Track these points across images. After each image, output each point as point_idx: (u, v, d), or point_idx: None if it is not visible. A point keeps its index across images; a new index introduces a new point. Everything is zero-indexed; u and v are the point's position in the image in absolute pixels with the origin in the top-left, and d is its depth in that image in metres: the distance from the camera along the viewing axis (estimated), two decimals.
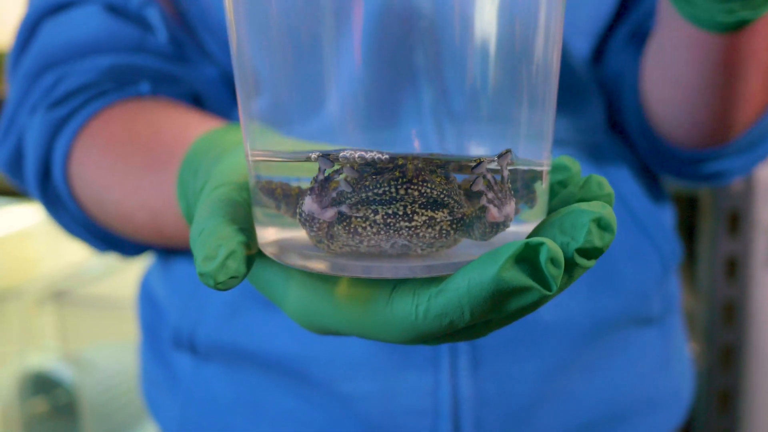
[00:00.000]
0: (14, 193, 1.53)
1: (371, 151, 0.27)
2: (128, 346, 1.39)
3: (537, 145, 0.29)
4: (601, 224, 0.26)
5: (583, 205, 0.26)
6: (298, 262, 0.28)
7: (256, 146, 0.29)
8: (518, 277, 0.25)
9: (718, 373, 1.30)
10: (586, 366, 0.58)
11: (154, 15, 0.59)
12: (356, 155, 0.27)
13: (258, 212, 0.29)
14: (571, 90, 0.58)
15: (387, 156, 0.27)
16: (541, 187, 0.30)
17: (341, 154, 0.27)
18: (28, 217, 1.63)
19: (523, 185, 0.29)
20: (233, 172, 0.32)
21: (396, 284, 0.27)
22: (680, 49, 0.52)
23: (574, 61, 0.58)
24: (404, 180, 0.26)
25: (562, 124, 0.57)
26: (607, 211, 0.26)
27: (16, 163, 0.60)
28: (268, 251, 0.29)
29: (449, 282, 0.26)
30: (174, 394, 0.63)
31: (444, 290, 0.26)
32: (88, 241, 0.61)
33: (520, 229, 0.29)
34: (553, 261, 0.25)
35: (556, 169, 0.32)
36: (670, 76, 0.54)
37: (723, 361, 1.30)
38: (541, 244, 0.25)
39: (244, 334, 0.58)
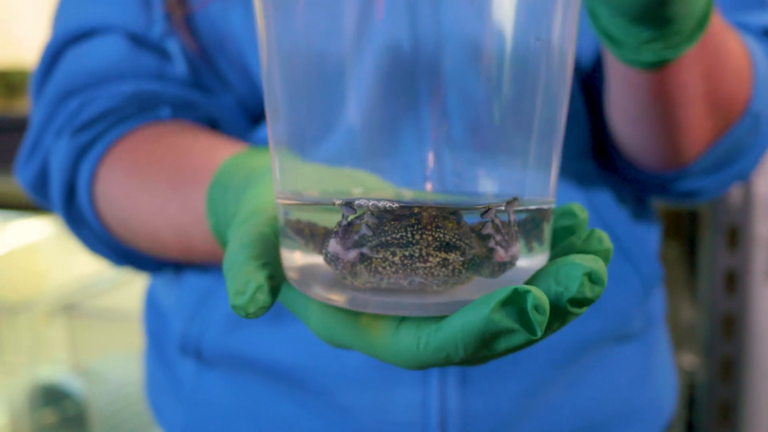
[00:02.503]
0: (24, 206, 1.55)
1: (385, 201, 0.29)
2: (137, 358, 1.40)
3: (542, 185, 0.31)
4: (593, 278, 0.28)
5: (578, 258, 0.28)
6: (320, 294, 0.31)
7: (284, 186, 0.32)
8: (506, 320, 0.27)
9: (718, 385, 1.31)
10: (567, 381, 0.61)
11: (173, 45, 0.61)
12: (370, 204, 0.29)
13: (285, 242, 0.32)
14: None
15: (398, 205, 0.29)
16: (547, 227, 0.32)
17: (356, 202, 0.29)
18: (38, 230, 1.65)
19: (531, 225, 0.31)
20: (262, 200, 0.35)
21: (403, 318, 0.30)
22: (618, 84, 0.54)
23: None
24: (419, 226, 0.29)
25: None
26: (599, 266, 0.28)
27: (40, 183, 0.63)
28: (291, 277, 0.32)
29: (448, 320, 0.28)
30: (178, 399, 0.65)
31: (442, 327, 0.28)
32: (108, 257, 0.63)
33: (526, 264, 0.31)
34: (537, 308, 0.27)
35: (563, 215, 0.34)
36: (617, 108, 0.56)
37: (723, 374, 1.31)
38: (528, 291, 0.27)
39: (246, 344, 0.60)
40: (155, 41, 0.61)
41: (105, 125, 0.60)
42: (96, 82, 0.61)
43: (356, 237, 0.29)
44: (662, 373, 0.69)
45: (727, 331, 1.30)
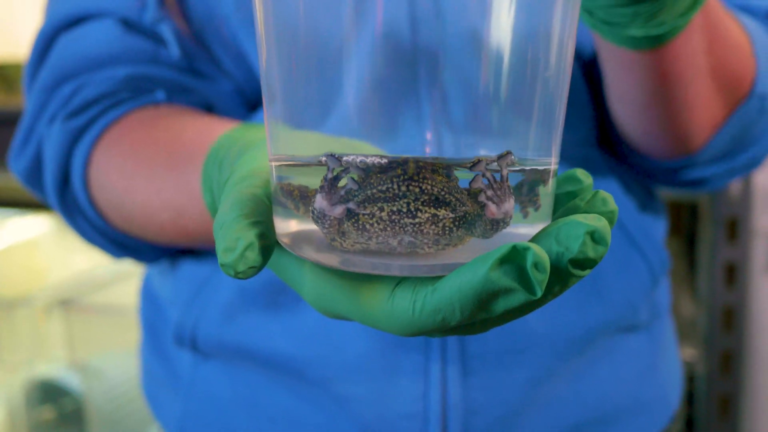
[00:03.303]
0: (22, 203, 1.54)
1: (373, 157, 0.28)
2: (135, 354, 1.40)
3: (543, 145, 0.30)
4: (595, 237, 0.27)
5: (580, 217, 0.27)
6: (312, 255, 0.30)
7: (277, 150, 0.31)
8: (504, 279, 0.26)
9: (718, 378, 1.31)
10: (572, 372, 0.60)
11: (167, 30, 0.60)
12: (357, 160, 0.28)
13: (277, 208, 0.31)
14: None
15: (386, 160, 0.28)
16: (546, 190, 0.30)
17: (344, 159, 0.28)
18: (36, 227, 1.65)
19: (527, 187, 0.30)
20: (256, 165, 0.34)
21: (399, 281, 0.29)
22: (616, 69, 0.53)
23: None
24: (406, 177, 0.27)
25: None
26: (602, 225, 0.27)
27: (34, 173, 0.62)
28: (284, 242, 0.31)
29: (444, 281, 0.27)
30: (175, 391, 0.64)
31: (438, 288, 0.27)
32: (104, 247, 0.62)
33: (525, 231, 0.30)
34: (537, 266, 0.26)
35: (567, 180, 0.33)
36: (616, 94, 0.55)
37: (723, 367, 1.31)
38: (528, 249, 0.26)
39: (243, 334, 0.59)
40: (148, 26, 0.61)
41: (99, 109, 0.59)
42: (89, 67, 0.60)
43: (342, 192, 0.28)
44: (668, 365, 0.68)
45: (727, 324, 1.30)
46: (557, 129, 0.31)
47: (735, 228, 1.28)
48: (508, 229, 0.29)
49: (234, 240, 0.29)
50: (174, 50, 0.60)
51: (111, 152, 0.58)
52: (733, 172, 0.62)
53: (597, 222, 0.27)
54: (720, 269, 1.29)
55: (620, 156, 0.63)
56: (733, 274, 1.29)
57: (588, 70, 0.60)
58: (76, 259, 1.60)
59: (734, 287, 1.29)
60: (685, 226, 1.64)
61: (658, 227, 0.66)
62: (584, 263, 0.27)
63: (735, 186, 1.27)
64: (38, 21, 0.65)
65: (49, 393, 1.46)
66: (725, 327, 1.30)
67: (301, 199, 0.30)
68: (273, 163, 0.31)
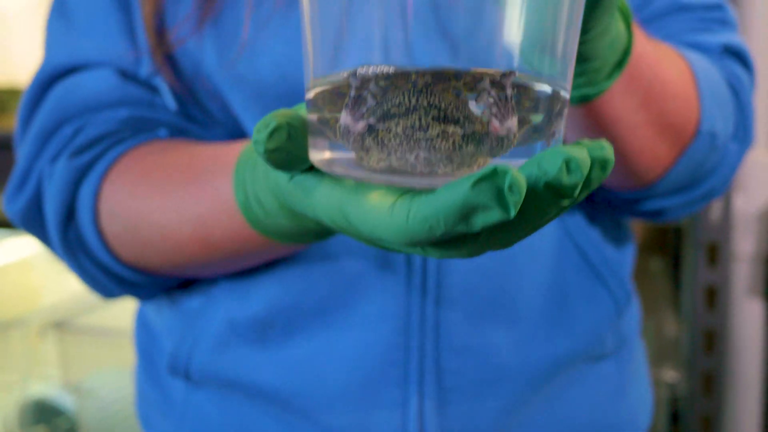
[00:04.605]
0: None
1: (387, 67, 0.31)
2: (128, 374, 1.41)
3: (557, 71, 0.32)
4: (571, 166, 0.29)
5: (565, 147, 0.29)
6: (342, 171, 0.33)
7: (317, 72, 0.34)
8: (482, 196, 0.28)
9: (700, 399, 1.33)
10: (543, 399, 0.63)
11: (162, 83, 0.62)
12: (369, 70, 0.31)
13: (312, 135, 0.34)
14: None
15: (393, 69, 0.30)
16: (560, 121, 0.33)
17: (358, 71, 0.31)
18: (30, 247, 1.66)
19: (541, 113, 0.32)
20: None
21: (403, 192, 0.31)
22: None
23: None
24: (415, 90, 0.30)
25: None
26: (582, 156, 0.29)
27: (32, 213, 0.62)
28: (317, 162, 0.34)
29: (435, 193, 0.30)
30: (168, 416, 0.66)
31: (429, 199, 0.30)
32: (103, 284, 0.63)
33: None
34: (512, 187, 0.28)
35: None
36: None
37: (704, 388, 1.33)
38: (507, 171, 0.28)
39: (234, 366, 0.62)
40: (144, 78, 0.62)
41: (104, 146, 0.60)
42: (89, 110, 0.62)
43: (364, 109, 0.31)
44: (637, 389, 0.70)
45: (709, 346, 1.32)
46: (572, 60, 0.33)
47: (715, 252, 1.31)
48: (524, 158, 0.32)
49: (269, 118, 0.33)
50: (170, 102, 0.62)
51: (121, 181, 0.58)
52: (693, 204, 0.64)
53: (577, 152, 0.29)
54: (701, 293, 1.31)
55: None
56: (714, 298, 1.32)
57: None
58: (71, 280, 1.60)
59: (715, 310, 1.31)
60: (670, 246, 1.66)
61: (623, 257, 0.68)
62: (560, 190, 0.29)
63: (715, 211, 1.29)
64: (35, 47, 0.66)
65: (43, 413, 1.47)
66: (707, 349, 1.32)
67: (334, 126, 0.33)
68: (310, 94, 0.34)
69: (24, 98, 0.64)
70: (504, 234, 0.32)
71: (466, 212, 0.29)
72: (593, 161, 0.31)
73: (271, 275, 0.60)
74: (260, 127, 0.33)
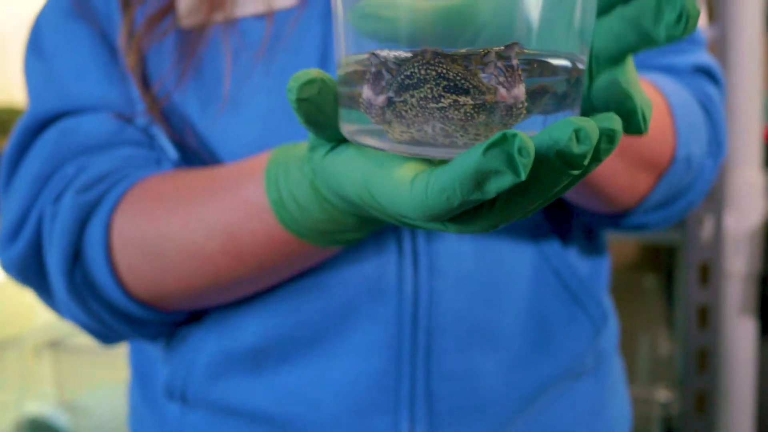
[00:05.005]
0: None
1: (402, 50, 0.32)
2: (123, 392, 1.41)
3: (571, 45, 0.34)
4: (580, 135, 0.30)
5: (575, 118, 0.30)
6: (369, 142, 0.35)
7: (348, 50, 0.35)
8: (494, 161, 0.29)
9: (693, 417, 1.34)
10: (528, 420, 0.64)
11: (159, 132, 0.61)
12: (391, 55, 0.32)
13: (342, 108, 0.36)
14: None
15: (407, 51, 0.32)
16: (575, 92, 0.34)
17: (376, 51, 0.33)
18: None
19: (556, 87, 0.33)
20: None
21: (424, 169, 0.33)
22: None
23: None
24: (423, 61, 0.32)
25: None
26: (590, 126, 0.30)
27: (29, 261, 0.59)
28: (347, 133, 0.36)
29: (449, 164, 0.31)
30: None
31: (445, 170, 0.31)
32: (110, 324, 0.61)
33: None
34: (521, 150, 0.29)
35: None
36: None
37: (697, 407, 1.34)
38: (515, 135, 0.29)
39: (228, 393, 0.62)
40: (142, 125, 0.62)
41: (112, 181, 0.58)
42: (90, 151, 0.59)
43: (383, 83, 0.33)
44: (616, 402, 0.72)
45: (702, 364, 1.33)
46: (589, 34, 0.34)
47: (707, 271, 1.31)
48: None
49: (305, 72, 0.35)
50: (170, 151, 0.62)
51: (135, 210, 0.56)
52: (672, 217, 0.66)
53: (585, 123, 0.30)
54: (694, 312, 1.32)
55: (562, 204, 0.66)
56: (707, 317, 1.32)
57: None
58: None
59: (708, 329, 1.32)
60: (663, 265, 1.67)
61: (599, 271, 0.70)
62: (570, 159, 0.30)
63: (707, 230, 1.30)
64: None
65: (38, 431, 1.47)
66: (700, 368, 1.33)
67: (360, 99, 0.35)
68: (341, 71, 0.36)
69: (9, 146, 0.61)
70: (518, 201, 0.33)
71: (480, 179, 0.30)
72: (601, 132, 0.32)
73: (265, 306, 0.61)
74: (296, 77, 0.35)
